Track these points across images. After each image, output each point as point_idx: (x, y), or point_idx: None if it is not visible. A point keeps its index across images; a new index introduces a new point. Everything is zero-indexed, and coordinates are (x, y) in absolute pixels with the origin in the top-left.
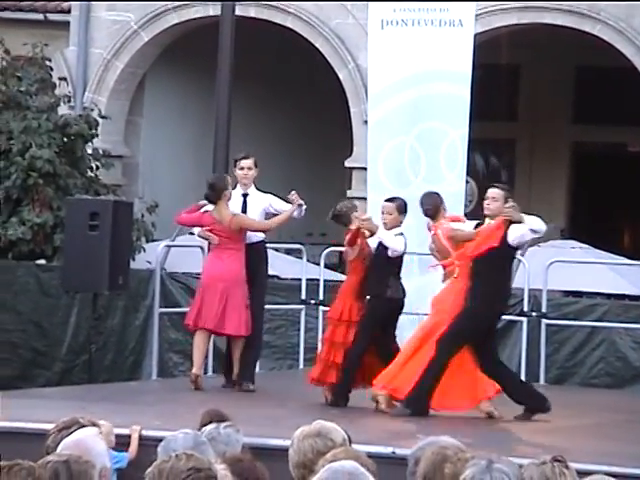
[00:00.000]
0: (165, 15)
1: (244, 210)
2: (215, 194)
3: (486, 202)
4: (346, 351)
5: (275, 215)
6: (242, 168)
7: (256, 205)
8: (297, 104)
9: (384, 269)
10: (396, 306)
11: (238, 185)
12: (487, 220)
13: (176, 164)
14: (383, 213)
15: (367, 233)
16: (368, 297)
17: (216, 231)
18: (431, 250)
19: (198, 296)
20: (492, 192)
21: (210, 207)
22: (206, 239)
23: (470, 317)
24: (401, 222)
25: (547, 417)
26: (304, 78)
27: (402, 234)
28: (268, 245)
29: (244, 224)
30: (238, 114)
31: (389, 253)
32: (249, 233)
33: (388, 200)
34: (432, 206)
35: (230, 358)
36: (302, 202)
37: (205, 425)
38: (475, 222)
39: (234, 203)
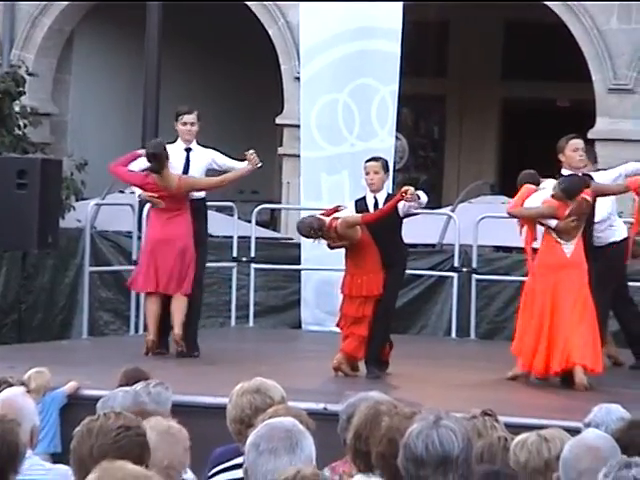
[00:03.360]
0: None
1: (187, 165)
2: (159, 164)
3: (579, 154)
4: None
5: (217, 171)
6: (185, 123)
7: (199, 160)
8: (227, 61)
9: (399, 233)
10: None
11: (179, 139)
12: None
13: (105, 122)
14: (368, 174)
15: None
16: (394, 265)
17: (161, 195)
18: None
19: (144, 258)
20: (580, 143)
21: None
22: (149, 202)
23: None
24: (385, 182)
25: (476, 371)
26: (234, 35)
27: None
28: None
29: (194, 185)
30: (167, 72)
31: (401, 214)
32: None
33: (372, 160)
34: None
35: (164, 320)
36: (259, 163)
37: (123, 385)
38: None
39: (176, 158)
